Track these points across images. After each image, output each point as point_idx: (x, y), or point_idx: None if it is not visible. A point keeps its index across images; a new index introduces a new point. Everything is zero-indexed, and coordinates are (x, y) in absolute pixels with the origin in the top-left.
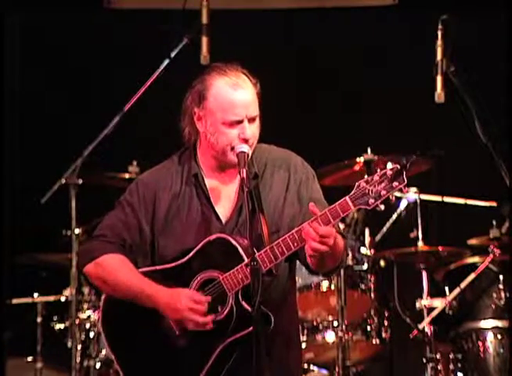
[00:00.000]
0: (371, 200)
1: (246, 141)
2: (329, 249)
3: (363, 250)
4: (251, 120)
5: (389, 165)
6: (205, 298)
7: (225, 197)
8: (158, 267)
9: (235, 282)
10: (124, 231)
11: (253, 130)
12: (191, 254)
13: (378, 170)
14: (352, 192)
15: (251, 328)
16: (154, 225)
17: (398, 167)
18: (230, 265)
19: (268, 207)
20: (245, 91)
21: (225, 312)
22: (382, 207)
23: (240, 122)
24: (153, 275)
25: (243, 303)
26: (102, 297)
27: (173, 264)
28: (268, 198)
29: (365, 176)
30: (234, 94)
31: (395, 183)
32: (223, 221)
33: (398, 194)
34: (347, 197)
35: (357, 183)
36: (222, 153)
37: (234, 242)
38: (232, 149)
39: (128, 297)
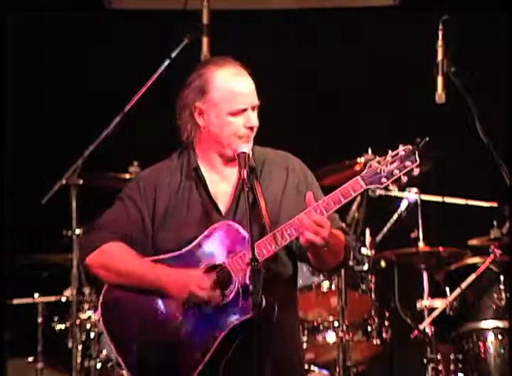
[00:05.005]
0: (383, 179)
1: (251, 129)
2: (324, 242)
3: (364, 250)
4: (254, 108)
5: (401, 146)
6: (211, 277)
7: (224, 190)
8: (162, 256)
9: (240, 266)
10: (125, 225)
11: (255, 118)
12: (196, 241)
13: (390, 151)
14: (364, 172)
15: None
16: (155, 220)
17: (411, 147)
18: (235, 250)
19: (267, 202)
20: (246, 79)
21: (231, 296)
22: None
23: (245, 110)
24: (158, 263)
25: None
26: (102, 290)
27: (177, 253)
28: (266, 193)
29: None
30: (237, 83)
31: (408, 163)
32: (223, 213)
33: (398, 194)
34: (358, 177)
35: (368, 164)
36: (228, 143)
37: (238, 227)
38: (240, 138)
39: (132, 281)
